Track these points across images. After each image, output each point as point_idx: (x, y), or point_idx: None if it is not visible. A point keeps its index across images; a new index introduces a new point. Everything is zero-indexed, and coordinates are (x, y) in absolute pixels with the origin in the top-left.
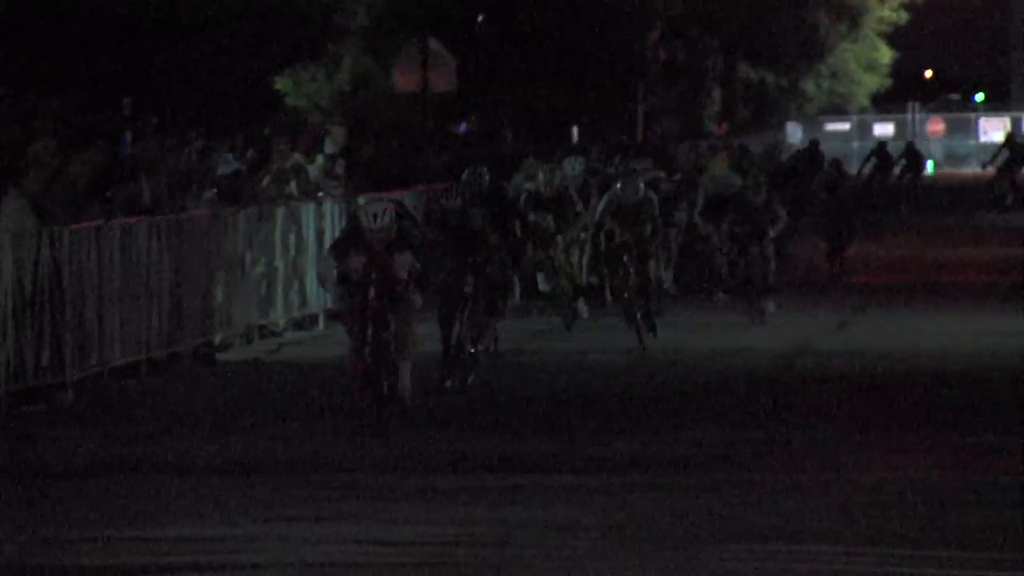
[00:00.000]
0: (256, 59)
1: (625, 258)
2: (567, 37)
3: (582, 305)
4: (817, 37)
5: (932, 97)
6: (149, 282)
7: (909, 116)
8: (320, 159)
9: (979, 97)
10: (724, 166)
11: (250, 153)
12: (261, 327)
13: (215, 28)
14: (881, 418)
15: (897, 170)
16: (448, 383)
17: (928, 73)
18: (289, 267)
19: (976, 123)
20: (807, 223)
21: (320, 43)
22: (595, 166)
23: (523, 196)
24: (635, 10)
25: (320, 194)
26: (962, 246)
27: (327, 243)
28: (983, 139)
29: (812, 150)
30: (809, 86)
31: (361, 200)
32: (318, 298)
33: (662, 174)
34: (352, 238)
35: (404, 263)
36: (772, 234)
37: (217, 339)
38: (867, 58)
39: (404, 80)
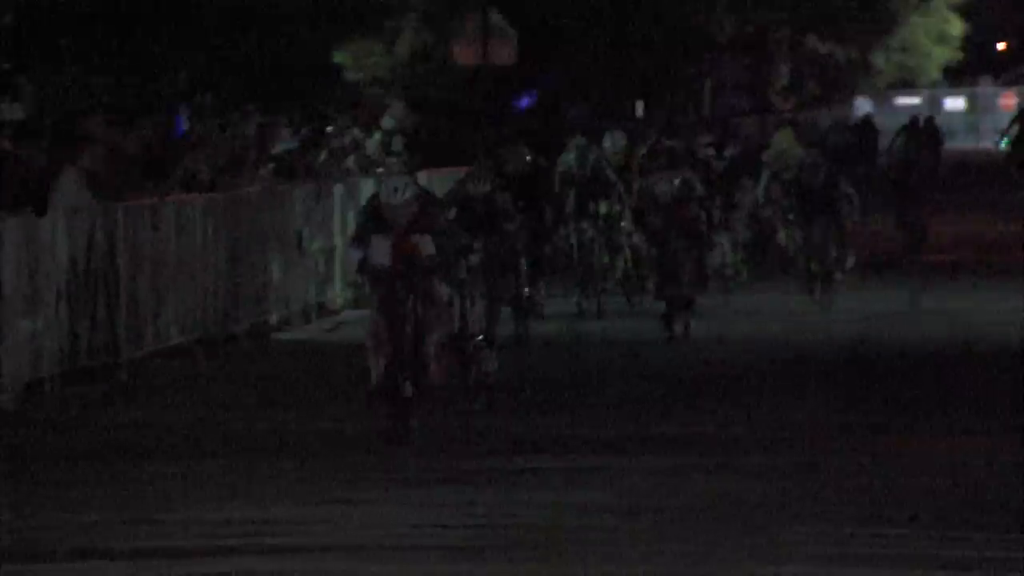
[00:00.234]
0: (314, 33)
1: (665, 248)
2: (632, 9)
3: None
4: (887, 9)
5: (1005, 70)
6: (205, 260)
7: (981, 90)
8: (378, 134)
9: None
10: (790, 140)
11: (304, 131)
12: (319, 305)
13: (272, 1)
14: (953, 399)
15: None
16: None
17: (1001, 46)
18: (347, 244)
19: None
20: (873, 200)
21: (379, 16)
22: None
23: (557, 177)
24: None
25: (379, 170)
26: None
27: None
28: None
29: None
30: (879, 59)
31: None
32: None
33: (712, 152)
34: (373, 222)
35: (426, 246)
36: (842, 214)
37: (273, 318)
38: (938, 30)
39: (464, 53)
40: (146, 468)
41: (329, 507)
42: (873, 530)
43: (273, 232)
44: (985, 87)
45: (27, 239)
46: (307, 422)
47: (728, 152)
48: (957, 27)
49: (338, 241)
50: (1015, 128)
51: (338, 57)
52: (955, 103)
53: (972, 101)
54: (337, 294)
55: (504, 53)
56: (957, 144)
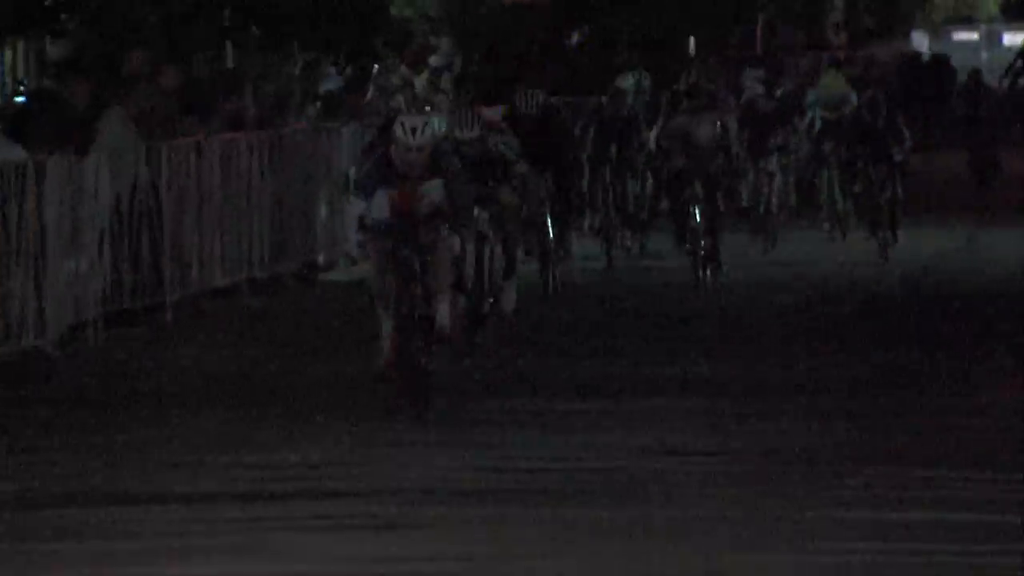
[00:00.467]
0: None
1: (689, 191)
2: None
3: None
4: None
5: None
6: (250, 200)
7: None
8: (425, 72)
9: None
10: (840, 81)
11: (348, 70)
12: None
13: None
14: (1016, 340)
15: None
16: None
17: None
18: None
19: None
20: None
21: None
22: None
23: (579, 123)
24: None
25: (427, 108)
26: None
27: None
28: None
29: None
30: None
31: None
32: None
33: (760, 89)
34: (381, 170)
35: (434, 193)
36: (897, 158)
37: (320, 259)
38: None
39: None
40: (192, 412)
41: (371, 450)
42: (933, 473)
43: (320, 172)
44: None
45: (69, 179)
46: (352, 364)
47: (780, 91)
48: None
49: None
50: (1019, 64)
51: None
52: (1014, 39)
53: None
54: None
55: None
56: None
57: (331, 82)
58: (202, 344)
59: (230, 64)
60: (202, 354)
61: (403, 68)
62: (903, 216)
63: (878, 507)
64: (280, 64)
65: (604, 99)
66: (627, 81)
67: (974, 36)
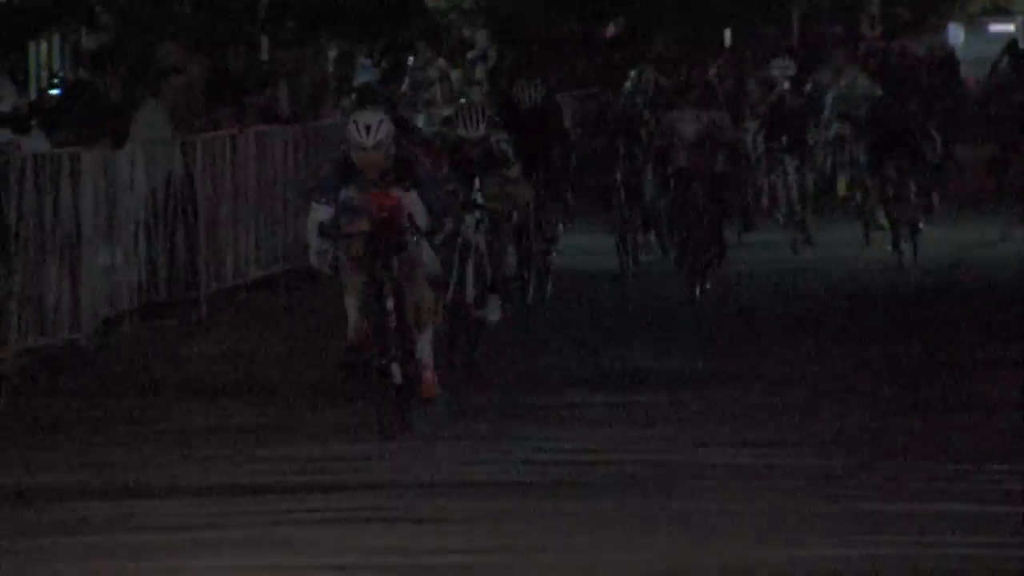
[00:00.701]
0: None
1: (690, 192)
2: None
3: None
4: None
5: None
6: (285, 193)
7: None
8: (463, 65)
9: None
10: (862, 76)
11: (383, 63)
12: None
13: None
14: None
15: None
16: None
17: None
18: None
19: None
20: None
21: None
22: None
23: (588, 119)
24: None
25: (461, 100)
26: None
27: None
28: None
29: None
30: None
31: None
32: None
33: (787, 85)
34: (341, 172)
35: (414, 207)
36: (928, 158)
37: None
38: None
39: None
40: (221, 404)
41: (389, 443)
42: (971, 466)
43: None
44: None
45: (105, 172)
46: None
47: (808, 87)
48: None
49: None
50: (1005, 60)
51: None
52: None
53: None
54: None
55: None
56: None
57: (367, 74)
58: (236, 337)
59: (264, 57)
60: (236, 347)
61: (440, 61)
62: (934, 212)
63: (906, 499)
64: (313, 57)
65: (610, 94)
66: (643, 73)
67: (1011, 28)
